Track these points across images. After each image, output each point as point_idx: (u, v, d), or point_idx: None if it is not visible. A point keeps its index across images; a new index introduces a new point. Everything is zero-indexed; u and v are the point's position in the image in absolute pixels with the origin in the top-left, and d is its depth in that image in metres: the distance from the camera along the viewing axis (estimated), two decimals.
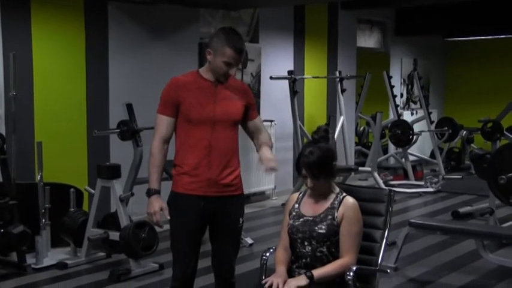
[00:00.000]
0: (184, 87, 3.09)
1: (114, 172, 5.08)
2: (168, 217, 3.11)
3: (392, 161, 10.46)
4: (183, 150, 3.10)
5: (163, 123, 3.10)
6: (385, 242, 3.05)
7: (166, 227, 3.16)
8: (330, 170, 2.97)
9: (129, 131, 5.23)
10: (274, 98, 8.00)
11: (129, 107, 5.27)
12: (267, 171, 3.14)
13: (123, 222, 4.93)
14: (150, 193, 3.10)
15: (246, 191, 4.13)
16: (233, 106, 3.12)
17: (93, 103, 6.11)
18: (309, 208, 3.02)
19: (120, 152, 5.91)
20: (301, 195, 3.10)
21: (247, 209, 4.38)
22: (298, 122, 7.44)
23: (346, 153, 8.38)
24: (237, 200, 3.18)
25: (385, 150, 10.52)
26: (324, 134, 3.01)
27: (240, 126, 3.23)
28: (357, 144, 10.30)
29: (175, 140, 3.15)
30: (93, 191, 5.21)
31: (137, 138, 5.28)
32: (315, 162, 2.92)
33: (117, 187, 5.04)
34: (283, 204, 6.21)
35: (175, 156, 3.14)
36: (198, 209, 3.07)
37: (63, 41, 5.91)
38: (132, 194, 5.18)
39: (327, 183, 3.00)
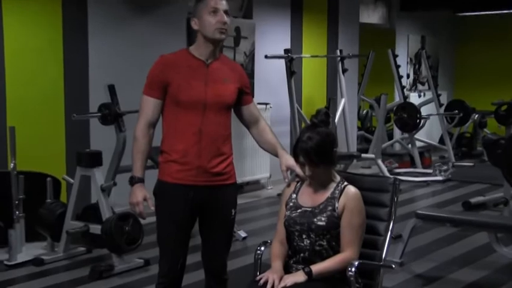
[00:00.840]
0: (173, 67, 3.07)
1: (95, 159, 5.08)
2: (152, 208, 3.10)
3: (397, 147, 10.50)
4: (171, 136, 3.09)
5: (149, 105, 3.08)
6: (390, 235, 3.06)
7: (152, 219, 3.16)
8: (330, 157, 2.97)
9: (111, 115, 5.22)
10: (270, 79, 8.00)
11: (111, 89, 5.26)
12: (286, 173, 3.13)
13: (105, 214, 4.93)
14: (133, 181, 3.08)
15: (239, 180, 4.15)
16: (226, 88, 3.11)
17: (72, 84, 6.09)
18: (308, 198, 3.02)
19: (101, 137, 5.90)
20: (299, 184, 3.10)
21: (241, 200, 4.40)
22: (296, 105, 7.44)
23: (347, 139, 8.40)
24: (229, 190, 3.18)
25: (390, 136, 10.55)
26: (323, 117, 3.01)
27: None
28: (359, 129, 10.33)
29: (162, 125, 3.14)
30: (71, 180, 5.21)
31: (120, 122, 5.27)
32: (314, 149, 2.92)
33: (98, 176, 5.04)
34: (280, 194, 6.24)
35: (162, 142, 3.13)
36: (187, 199, 3.07)
37: (37, 17, 5.87)
38: (115, 184, 5.18)
39: (327, 171, 3.01)
